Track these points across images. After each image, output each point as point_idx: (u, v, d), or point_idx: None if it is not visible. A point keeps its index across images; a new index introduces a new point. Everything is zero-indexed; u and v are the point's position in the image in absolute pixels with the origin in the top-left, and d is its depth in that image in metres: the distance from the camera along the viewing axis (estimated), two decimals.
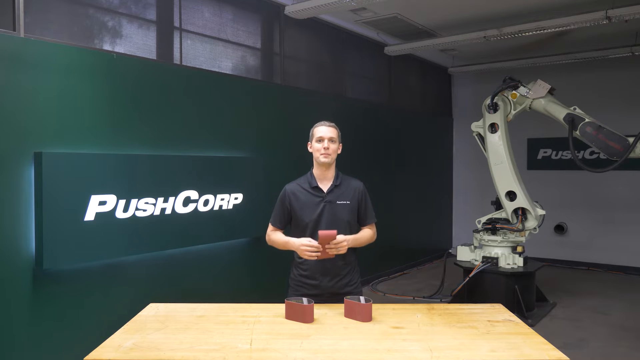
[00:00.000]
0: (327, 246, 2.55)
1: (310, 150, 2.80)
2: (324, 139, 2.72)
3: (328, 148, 2.71)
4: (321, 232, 2.54)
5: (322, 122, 2.78)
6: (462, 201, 9.46)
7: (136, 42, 4.27)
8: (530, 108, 5.66)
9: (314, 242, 2.57)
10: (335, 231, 2.56)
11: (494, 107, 5.70)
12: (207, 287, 4.63)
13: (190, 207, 4.36)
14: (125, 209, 3.84)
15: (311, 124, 2.82)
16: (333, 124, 2.79)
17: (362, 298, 2.42)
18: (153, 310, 2.58)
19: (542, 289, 6.03)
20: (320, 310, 2.50)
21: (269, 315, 2.48)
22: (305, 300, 2.39)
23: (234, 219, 4.77)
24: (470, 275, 5.43)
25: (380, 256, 7.14)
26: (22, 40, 3.42)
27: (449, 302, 5.52)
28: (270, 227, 2.87)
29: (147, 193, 4.01)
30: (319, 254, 2.56)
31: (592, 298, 6.28)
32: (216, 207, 4.59)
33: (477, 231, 5.77)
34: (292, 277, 2.85)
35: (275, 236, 2.82)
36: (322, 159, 2.72)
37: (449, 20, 6.44)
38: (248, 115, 5.11)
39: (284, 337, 2.17)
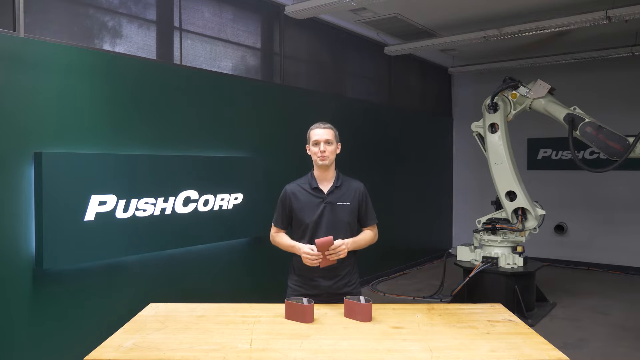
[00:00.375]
0: (326, 252, 2.56)
1: (308, 152, 2.80)
2: (319, 142, 2.71)
3: (325, 151, 2.70)
4: (318, 240, 2.55)
5: (317, 125, 2.76)
6: (462, 201, 9.46)
7: (136, 42, 4.27)
8: (530, 108, 5.66)
9: (314, 250, 2.58)
10: (331, 237, 2.57)
11: (494, 107, 5.70)
12: (207, 287, 4.63)
13: (190, 207, 4.36)
14: (125, 209, 3.84)
15: (311, 124, 2.81)
16: (328, 124, 2.77)
17: (362, 298, 2.42)
18: (153, 310, 2.58)
19: (542, 289, 6.03)
20: (320, 310, 2.51)
21: (269, 315, 2.48)
22: (305, 300, 2.40)
23: (234, 219, 4.77)
24: (470, 275, 5.43)
25: (380, 256, 7.14)
26: (22, 40, 3.42)
27: (449, 302, 5.52)
28: (273, 228, 2.87)
29: (147, 193, 4.01)
30: (320, 260, 2.57)
31: (592, 298, 6.28)
32: (216, 207, 4.59)
33: (477, 231, 5.77)
34: (291, 277, 2.85)
35: (280, 239, 2.82)
36: (320, 162, 2.72)
37: (449, 20, 6.44)
38: (248, 115, 5.11)
39: (284, 337, 2.17)
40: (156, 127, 4.23)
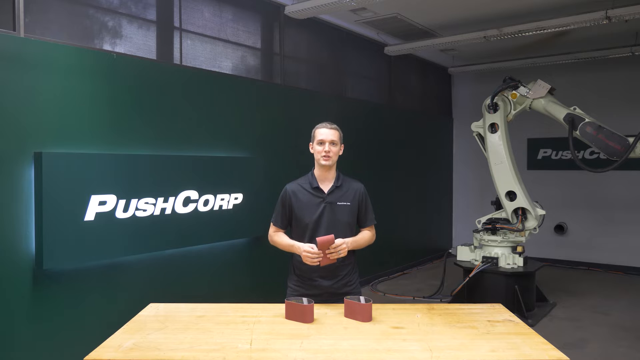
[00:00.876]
0: (327, 251, 2.56)
1: (311, 151, 2.80)
2: (324, 142, 2.72)
3: (329, 151, 2.71)
4: (319, 239, 2.54)
5: (324, 124, 2.77)
6: (462, 201, 9.46)
7: (136, 42, 4.27)
8: (530, 108, 5.66)
9: (315, 249, 2.57)
10: (332, 236, 2.56)
11: (494, 107, 5.70)
12: (207, 287, 4.63)
13: (190, 207, 4.36)
14: (125, 209, 3.84)
15: (311, 124, 2.81)
16: (335, 125, 2.77)
17: (362, 298, 2.42)
18: (153, 310, 2.58)
19: (542, 289, 6.03)
20: (320, 310, 2.51)
21: (269, 315, 2.48)
22: (305, 300, 2.40)
23: (234, 219, 4.77)
24: (470, 275, 5.43)
25: (380, 256, 7.14)
26: (22, 40, 3.42)
27: (449, 302, 5.52)
28: (272, 227, 2.86)
29: (147, 193, 4.01)
30: (320, 259, 2.57)
31: (592, 298, 6.28)
32: (216, 207, 4.59)
33: (477, 231, 5.77)
34: (291, 277, 2.85)
35: (279, 238, 2.81)
36: (323, 162, 2.73)
37: (449, 20, 6.44)
38: (248, 115, 5.11)
39: (284, 337, 2.17)
40: (156, 127, 4.23)
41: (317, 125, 2.78)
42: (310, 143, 2.80)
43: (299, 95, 5.86)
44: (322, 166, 2.75)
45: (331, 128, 2.74)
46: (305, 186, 2.79)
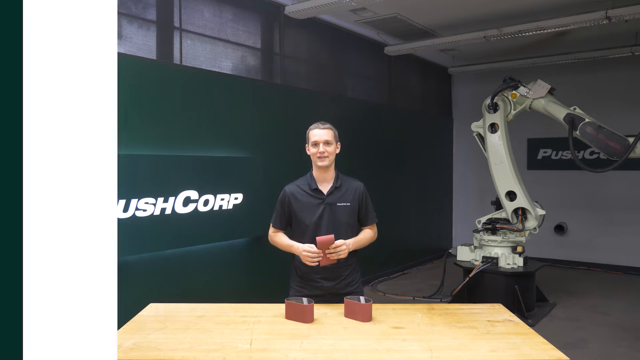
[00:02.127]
0: (327, 251, 2.54)
1: (308, 152, 2.78)
2: (319, 143, 2.69)
3: (324, 152, 2.68)
4: (319, 238, 2.53)
5: (317, 125, 2.73)
6: (462, 201, 9.46)
7: (136, 42, 4.27)
8: (530, 108, 5.65)
9: (314, 249, 2.56)
10: (332, 236, 2.55)
11: (494, 107, 5.70)
12: (207, 287, 4.63)
13: (190, 207, 4.36)
14: (125, 209, 3.84)
15: (311, 124, 2.79)
16: (328, 124, 2.74)
17: (362, 298, 2.42)
18: (153, 310, 2.58)
19: (542, 289, 6.03)
20: (320, 310, 2.51)
21: (269, 315, 2.48)
22: (305, 300, 2.39)
23: (234, 219, 4.77)
24: (470, 275, 5.43)
25: (380, 256, 7.14)
26: None
27: (449, 302, 5.52)
28: (271, 228, 2.85)
29: (147, 193, 4.01)
30: (320, 259, 2.56)
31: (592, 298, 6.28)
32: (216, 207, 4.59)
33: (477, 231, 5.77)
34: (293, 278, 2.85)
35: (278, 238, 2.81)
36: (320, 163, 2.70)
37: (449, 20, 6.44)
38: (248, 115, 5.11)
39: (284, 337, 2.17)
40: (156, 127, 4.23)
41: (311, 127, 2.74)
42: (306, 145, 2.78)
43: (299, 95, 5.86)
44: (320, 167, 2.73)
45: (324, 128, 2.70)
46: (304, 187, 2.78)
